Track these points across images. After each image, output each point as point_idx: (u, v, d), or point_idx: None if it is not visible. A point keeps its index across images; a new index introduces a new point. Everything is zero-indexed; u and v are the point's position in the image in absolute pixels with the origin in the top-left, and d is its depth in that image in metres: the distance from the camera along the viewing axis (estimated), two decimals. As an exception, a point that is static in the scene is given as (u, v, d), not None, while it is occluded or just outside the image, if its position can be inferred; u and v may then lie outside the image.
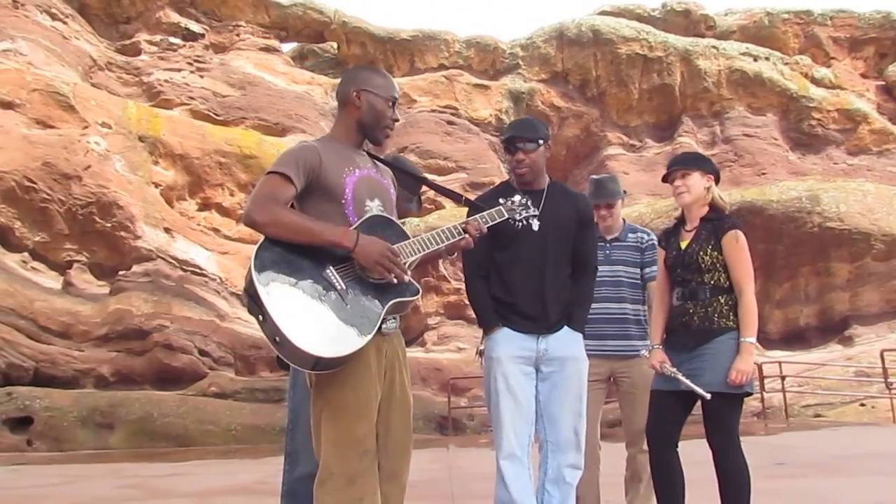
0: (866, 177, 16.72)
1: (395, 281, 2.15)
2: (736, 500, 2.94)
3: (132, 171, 12.78)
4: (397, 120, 2.46)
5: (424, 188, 3.14)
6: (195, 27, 16.18)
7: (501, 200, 2.66)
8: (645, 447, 3.69)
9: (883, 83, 19.56)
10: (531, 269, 2.93)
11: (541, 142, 3.01)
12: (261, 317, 2.04)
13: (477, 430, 11.82)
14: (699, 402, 3.04)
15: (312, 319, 2.05)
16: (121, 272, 12.32)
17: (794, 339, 14.28)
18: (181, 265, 12.75)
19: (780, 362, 11.66)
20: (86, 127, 12.57)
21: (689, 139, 17.55)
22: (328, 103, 16.37)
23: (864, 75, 19.85)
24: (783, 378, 11.49)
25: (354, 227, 2.22)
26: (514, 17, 78.00)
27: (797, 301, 14.15)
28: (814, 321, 14.43)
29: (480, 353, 3.11)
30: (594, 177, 4.09)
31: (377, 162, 2.50)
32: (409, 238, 2.30)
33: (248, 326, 12.88)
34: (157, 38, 15.55)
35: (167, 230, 12.89)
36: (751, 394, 3.08)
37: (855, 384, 12.84)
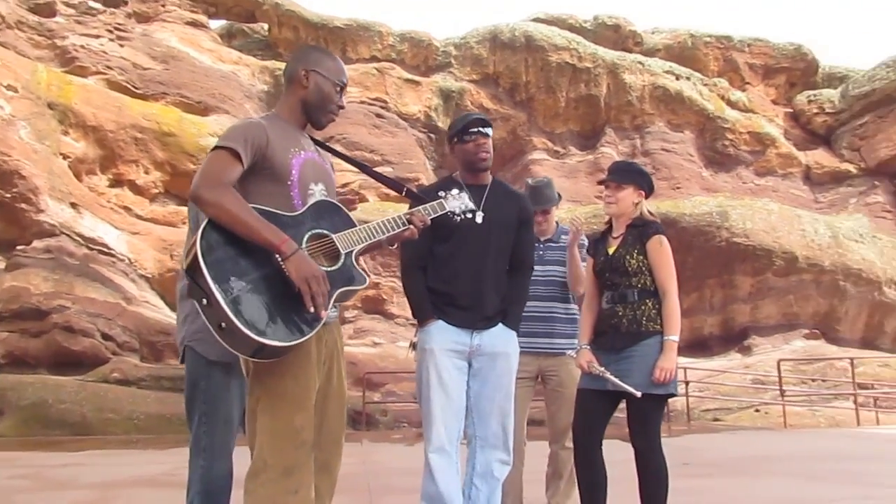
0: (771, 197, 17.65)
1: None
2: (655, 497, 3.03)
3: (38, 140, 12.07)
4: (342, 107, 2.39)
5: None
6: (117, -7, 15.44)
7: (441, 194, 2.64)
8: (567, 444, 3.76)
9: (791, 110, 20.68)
10: (472, 263, 2.94)
11: (491, 132, 3.04)
12: (205, 300, 1.93)
13: (390, 426, 11.79)
14: (624, 403, 3.12)
15: (260, 305, 1.96)
16: (19, 247, 11.59)
17: (698, 346, 14.91)
18: (87, 243, 12.12)
19: (684, 368, 12.16)
20: (-12, 88, 11.81)
21: (611, 150, 18.04)
22: (255, 85, 15.96)
23: (774, 101, 20.91)
24: (687, 383, 12.07)
25: (302, 211, 2.17)
26: (448, 17, 78.29)
27: (702, 311, 14.77)
28: (716, 330, 15.11)
29: (414, 346, 3.09)
30: (531, 182, 4.13)
31: (318, 146, 2.44)
32: (355, 225, 2.26)
33: (157, 311, 12.39)
34: (76, 0, 14.75)
35: (74, 205, 12.23)
36: (675, 395, 3.19)
37: (751, 391, 13.55)
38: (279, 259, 2.02)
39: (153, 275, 12.82)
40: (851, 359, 12.58)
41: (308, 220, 2.17)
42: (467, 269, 2.93)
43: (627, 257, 3.18)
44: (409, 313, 12.02)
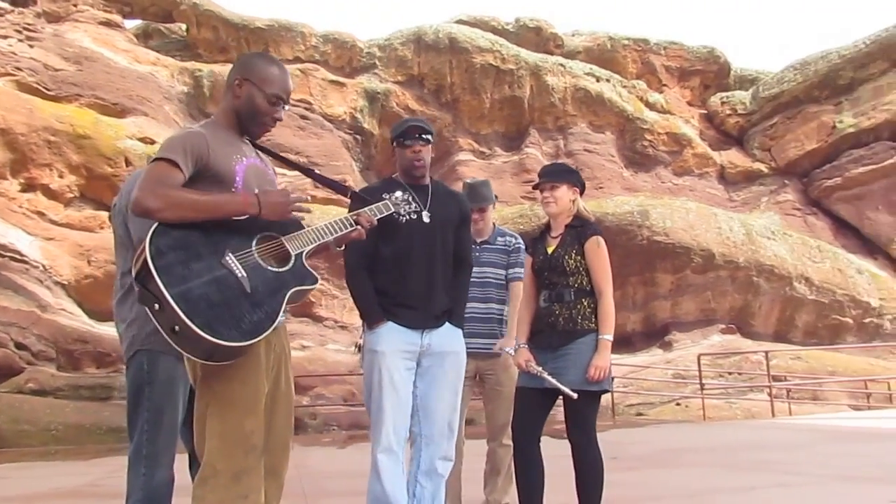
0: (689, 196, 18.31)
1: (289, 271, 2.16)
2: (592, 490, 3.14)
3: (-57, 144, 11.47)
4: (279, 118, 2.37)
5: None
6: (26, -9, 14.77)
7: (385, 195, 2.68)
8: (504, 441, 3.87)
9: (705, 112, 21.47)
10: (422, 263, 2.98)
11: (430, 138, 3.09)
12: (157, 305, 1.93)
13: (319, 429, 11.70)
14: (560, 399, 3.21)
15: (213, 307, 1.97)
16: (-76, 255, 11.02)
17: (622, 343, 15.29)
18: (-2, 250, 11.59)
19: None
20: None
21: (535, 150, 18.36)
22: (174, 87, 15.54)
23: (690, 103, 21.66)
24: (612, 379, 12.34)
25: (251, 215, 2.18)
26: (371, 18, 77.87)
27: (626, 308, 15.21)
28: (639, 327, 15.56)
29: (359, 348, 3.11)
30: (468, 181, 4.24)
31: (259, 151, 2.44)
32: (303, 228, 2.28)
33: (74, 319, 11.94)
34: (-19, 0, 14.05)
35: (-17, 211, 11.68)
36: (608, 391, 3.31)
37: (673, 385, 14.01)
38: (256, 216, 2.13)
39: (70, 281, 12.34)
40: (766, 352, 13.06)
41: (256, 222, 2.18)
42: (418, 269, 2.97)
43: (566, 257, 3.28)
44: (337, 316, 11.86)
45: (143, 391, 2.62)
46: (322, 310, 13.72)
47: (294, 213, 2.19)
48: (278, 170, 2.67)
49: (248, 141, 2.39)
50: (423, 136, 3.05)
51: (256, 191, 2.18)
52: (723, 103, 21.06)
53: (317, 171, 2.87)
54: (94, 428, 9.96)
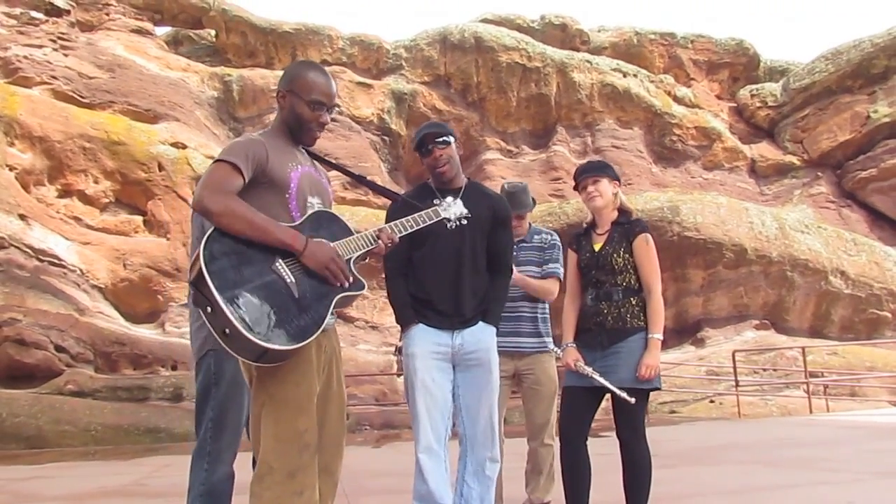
0: (719, 190, 18.09)
1: (338, 286, 2.19)
2: (640, 488, 3.13)
3: (-17, 153, 11.78)
4: (324, 123, 2.42)
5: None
6: (60, 2, 15.05)
7: (436, 202, 2.72)
8: (546, 440, 3.86)
9: (734, 105, 21.22)
10: (447, 267, 3.00)
11: (452, 138, 3.08)
12: (209, 308, 2.00)
13: (352, 429, 11.78)
14: (608, 397, 3.20)
15: (263, 311, 2.03)
16: (-33, 261, 11.31)
17: (654, 340, 15.20)
18: (37, 255, 11.84)
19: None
20: (-71, 102, 11.47)
21: (563, 148, 18.30)
22: (204, 92, 15.76)
23: (718, 97, 21.43)
24: (644, 376, 12.24)
25: (301, 221, 2.25)
26: (397, 18, 78.12)
27: (657, 304, 15.07)
28: (671, 324, 15.38)
29: (399, 351, 3.15)
30: (507, 186, 4.19)
31: (315, 160, 2.52)
32: (353, 234, 2.35)
33: (111, 321, 12.18)
34: (17, 10, 14.33)
35: (22, 217, 11.93)
36: (658, 388, 3.28)
37: (706, 382, 13.85)
38: (294, 255, 2.14)
39: (106, 285, 12.59)
40: (802, 348, 12.87)
41: (306, 229, 2.25)
42: (443, 274, 2.99)
43: (614, 255, 3.24)
44: (368, 317, 11.97)
45: (209, 391, 2.75)
46: (353, 310, 13.81)
47: (329, 276, 2.18)
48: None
49: (303, 150, 2.46)
50: (438, 140, 3.05)
51: (316, 240, 2.22)
52: (752, 96, 20.80)
53: (369, 179, 2.94)
54: (131, 428, 10.15)
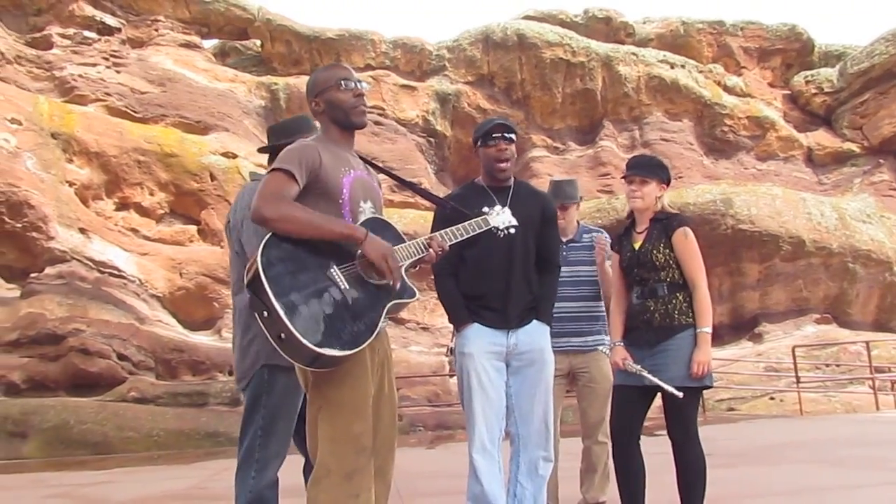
0: (774, 181, 17.61)
1: (389, 284, 2.22)
2: (694, 487, 3.07)
3: (44, 170, 12.20)
4: (361, 94, 2.46)
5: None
6: (111, 21, 15.53)
7: (485, 209, 2.73)
8: (600, 439, 3.83)
9: (788, 92, 20.61)
10: (499, 266, 3.00)
11: (514, 138, 3.10)
12: (265, 313, 2.05)
13: (405, 430, 11.83)
14: (660, 396, 3.15)
15: (317, 317, 2.08)
16: (33, 274, 11.72)
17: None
18: (98, 267, 12.24)
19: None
20: (-7, 123, 11.94)
21: (611, 143, 18.06)
22: (252, 101, 16.05)
23: (771, 84, 20.85)
24: (700, 374, 12.00)
25: None
26: (440, 20, 78.27)
27: (712, 300, 14.70)
28: (726, 319, 15.07)
29: (451, 351, 3.16)
30: (554, 178, 4.25)
31: (367, 165, 2.55)
32: (404, 241, 2.38)
33: (169, 329, 12.51)
34: (71, 31, 14.84)
35: (83, 231, 12.36)
36: (710, 386, 3.22)
37: (765, 379, 13.51)
38: (357, 245, 2.19)
39: (164, 294, 12.94)
40: (867, 342, 12.49)
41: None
42: (497, 270, 2.99)
43: (654, 252, 3.20)
44: (419, 318, 12.02)
45: (260, 399, 2.78)
46: (404, 312, 13.88)
47: (385, 270, 2.19)
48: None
49: (357, 155, 2.50)
50: (507, 134, 3.06)
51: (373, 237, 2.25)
52: (807, 82, 20.16)
53: (420, 186, 2.98)
54: (192, 433, 10.40)
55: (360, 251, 2.23)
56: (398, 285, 2.24)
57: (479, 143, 3.12)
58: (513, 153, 3.10)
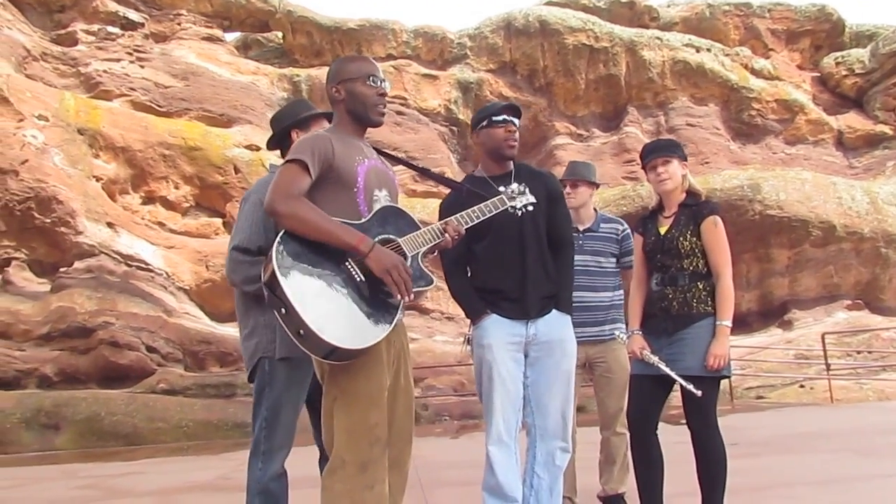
0: (803, 166, 17.27)
1: (399, 297, 2.19)
2: (715, 479, 3.01)
3: (72, 165, 12.37)
4: (384, 93, 2.44)
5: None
6: (134, 16, 15.68)
7: (501, 189, 2.68)
8: (618, 430, 3.79)
9: (818, 74, 20.16)
10: (512, 254, 2.94)
11: (518, 122, 3.04)
12: (283, 310, 2.06)
13: (431, 420, 11.87)
14: (678, 385, 3.09)
15: (334, 311, 2.09)
16: (62, 269, 11.93)
17: (737, 323, 14.52)
18: (126, 260, 12.42)
19: (724, 347, 11.97)
20: (21, 120, 12.10)
21: (635, 129, 17.84)
22: (275, 94, 16.10)
23: (800, 67, 20.42)
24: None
25: (368, 218, 2.28)
26: (460, 7, 77.89)
27: (740, 287, 14.56)
28: (755, 306, 14.87)
29: (468, 341, 3.12)
30: (572, 162, 4.23)
31: (380, 154, 2.55)
32: (420, 228, 2.37)
33: (197, 321, 12.65)
34: (95, 27, 15.00)
35: (110, 225, 12.53)
36: (728, 377, 3.15)
37: (794, 366, 13.31)
38: (358, 257, 2.16)
39: (191, 286, 13.09)
40: (900, 328, 12.25)
41: (374, 225, 2.29)
42: (509, 258, 2.93)
43: (680, 238, 3.13)
44: (444, 307, 11.97)
45: (263, 392, 2.83)
46: (428, 302, 13.90)
47: (391, 283, 2.16)
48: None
49: (369, 144, 2.49)
50: (515, 116, 3.00)
51: (384, 246, 2.23)
52: (837, 64, 19.69)
53: (434, 172, 2.95)
54: (221, 424, 10.51)
55: (376, 240, 2.22)
56: (410, 297, 2.20)
57: (485, 124, 3.01)
58: (518, 135, 3.04)
